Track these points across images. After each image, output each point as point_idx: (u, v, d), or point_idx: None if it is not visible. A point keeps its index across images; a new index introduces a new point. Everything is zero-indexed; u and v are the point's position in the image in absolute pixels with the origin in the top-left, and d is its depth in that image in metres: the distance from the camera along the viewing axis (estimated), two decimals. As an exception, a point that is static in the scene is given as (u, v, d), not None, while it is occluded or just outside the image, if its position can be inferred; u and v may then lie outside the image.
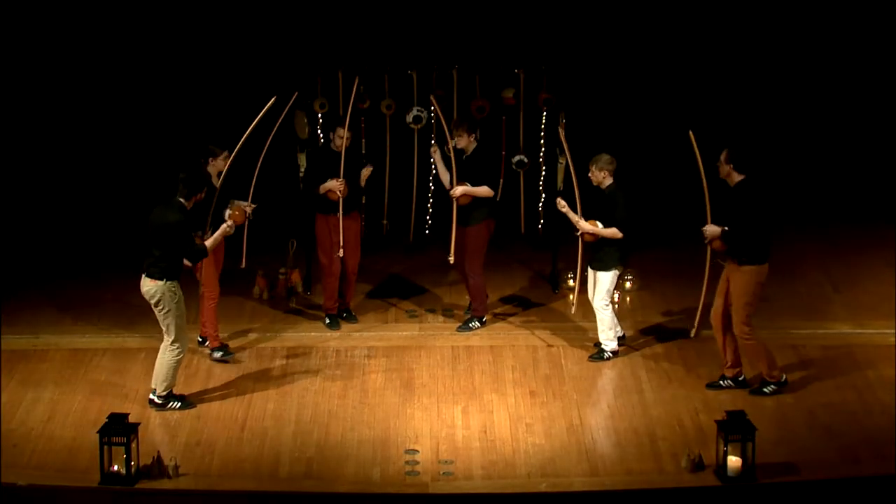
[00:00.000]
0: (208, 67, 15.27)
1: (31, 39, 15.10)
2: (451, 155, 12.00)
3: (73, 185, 15.25)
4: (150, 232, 10.66)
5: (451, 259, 12.07)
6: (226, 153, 11.52)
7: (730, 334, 11.11)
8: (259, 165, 11.61)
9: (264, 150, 11.63)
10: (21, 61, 15.11)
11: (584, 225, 11.52)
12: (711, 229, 10.92)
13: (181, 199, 10.61)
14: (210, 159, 11.54)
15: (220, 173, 11.50)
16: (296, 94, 11.98)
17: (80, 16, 15.07)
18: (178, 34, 15.15)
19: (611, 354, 11.76)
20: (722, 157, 10.85)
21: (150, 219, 10.67)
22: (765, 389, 11.08)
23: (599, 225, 11.49)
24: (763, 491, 9.78)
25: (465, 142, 12.06)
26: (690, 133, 10.90)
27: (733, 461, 9.78)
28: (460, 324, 12.46)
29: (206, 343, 11.84)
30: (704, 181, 10.88)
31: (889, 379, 11.30)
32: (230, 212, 11.35)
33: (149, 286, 10.67)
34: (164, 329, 10.76)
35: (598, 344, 11.83)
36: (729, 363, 11.21)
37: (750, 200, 10.78)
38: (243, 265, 11.89)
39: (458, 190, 12.04)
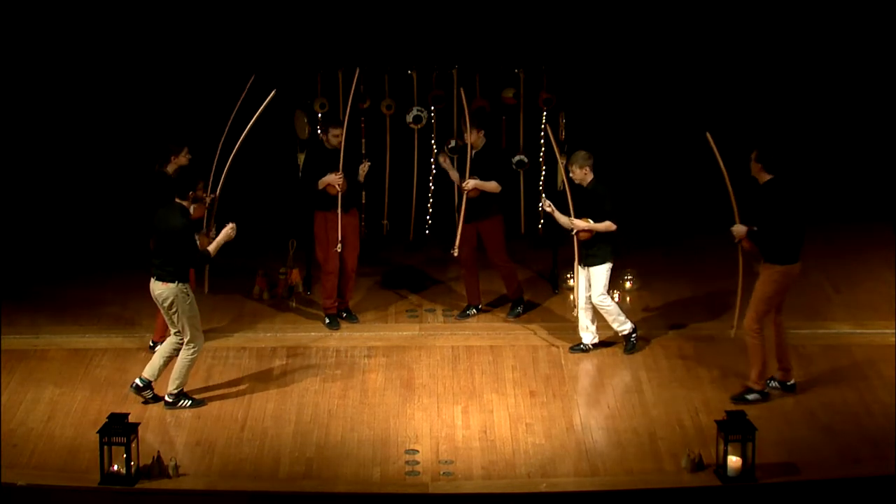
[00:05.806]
0: (209, 67, 15.25)
1: (30, 39, 15.08)
2: (468, 151, 12.07)
3: (73, 186, 15.23)
4: (157, 235, 10.65)
5: (455, 252, 12.14)
6: (186, 149, 11.55)
7: (775, 335, 11.00)
8: (230, 160, 11.52)
9: (237, 145, 11.53)
10: (21, 61, 15.09)
11: (579, 223, 11.54)
12: (738, 229, 10.87)
13: (179, 201, 10.60)
14: (172, 157, 11.54)
15: (179, 168, 11.51)
16: (273, 92, 11.60)
17: (82, 14, 15.04)
18: (178, 34, 15.13)
19: (634, 342, 11.81)
20: (752, 156, 10.75)
21: (155, 223, 10.66)
22: (747, 396, 10.97)
23: (591, 221, 11.51)
24: (763, 491, 9.78)
25: (475, 137, 12.10)
26: (708, 134, 10.85)
27: (733, 461, 9.78)
28: (507, 314, 12.63)
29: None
30: (728, 181, 10.81)
31: (889, 379, 11.29)
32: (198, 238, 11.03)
33: (160, 289, 10.64)
34: (180, 330, 10.74)
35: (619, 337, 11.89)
36: (777, 366, 11.11)
37: (777, 200, 10.67)
38: (205, 291, 12.10)
39: (470, 183, 12.08)
